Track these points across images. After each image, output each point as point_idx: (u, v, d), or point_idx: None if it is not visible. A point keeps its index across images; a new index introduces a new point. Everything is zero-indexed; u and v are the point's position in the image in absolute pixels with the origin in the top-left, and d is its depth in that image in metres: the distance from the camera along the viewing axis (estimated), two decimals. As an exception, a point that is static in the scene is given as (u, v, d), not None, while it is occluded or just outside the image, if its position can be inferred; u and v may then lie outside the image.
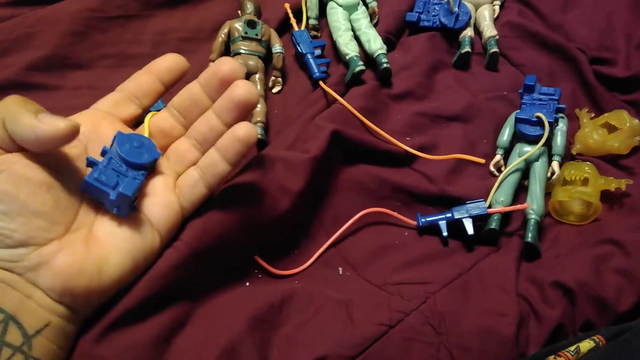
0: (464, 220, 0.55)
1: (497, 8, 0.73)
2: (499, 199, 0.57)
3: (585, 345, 0.46)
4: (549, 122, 0.58)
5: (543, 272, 0.52)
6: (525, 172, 0.60)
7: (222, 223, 0.48)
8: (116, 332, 0.42)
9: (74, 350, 0.41)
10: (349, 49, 0.63)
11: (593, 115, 0.65)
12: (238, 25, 0.63)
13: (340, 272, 0.54)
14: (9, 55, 0.60)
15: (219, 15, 0.66)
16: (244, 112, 0.44)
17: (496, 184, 0.57)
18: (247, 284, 0.51)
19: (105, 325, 0.41)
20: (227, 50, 0.64)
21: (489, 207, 0.56)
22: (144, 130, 0.45)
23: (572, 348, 0.46)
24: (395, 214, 0.56)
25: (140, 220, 0.43)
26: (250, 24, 0.62)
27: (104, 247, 0.41)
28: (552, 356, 0.46)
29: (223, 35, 0.63)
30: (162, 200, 0.44)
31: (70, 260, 0.38)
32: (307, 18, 0.68)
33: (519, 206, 0.55)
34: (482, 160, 0.57)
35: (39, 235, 0.38)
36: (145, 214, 0.43)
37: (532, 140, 0.59)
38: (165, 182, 0.45)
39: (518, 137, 0.61)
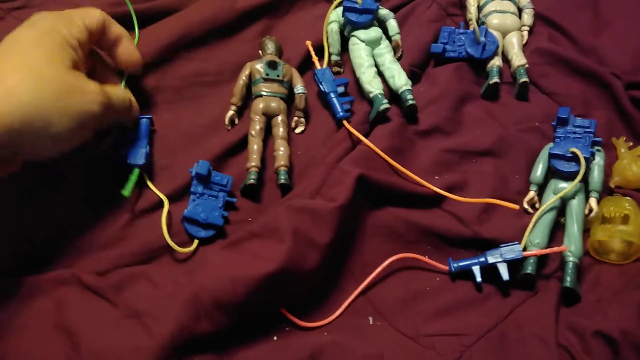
0: (498, 265, 0.53)
1: (525, 34, 0.71)
2: (534, 241, 0.54)
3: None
4: (585, 157, 0.55)
5: (584, 320, 0.50)
6: (561, 209, 0.57)
7: (249, 279, 0.47)
8: None
9: None
10: (373, 87, 0.61)
11: (631, 144, 0.62)
12: (259, 66, 0.62)
13: (371, 322, 0.52)
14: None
15: (240, 57, 0.64)
16: None
17: (530, 225, 0.55)
18: (275, 338, 0.50)
19: None
20: (249, 92, 0.63)
21: (524, 249, 0.54)
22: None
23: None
24: (425, 259, 0.55)
25: None
26: (272, 65, 0.61)
27: None
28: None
29: (244, 78, 0.62)
30: None
31: None
32: (329, 54, 0.66)
33: (555, 249, 0.53)
34: (516, 207, 0.54)
35: None
36: None
37: (568, 177, 0.57)
38: None
39: (552, 173, 0.59)
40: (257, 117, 0.60)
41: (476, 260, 0.54)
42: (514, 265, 0.54)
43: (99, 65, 0.57)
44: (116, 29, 0.55)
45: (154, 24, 0.64)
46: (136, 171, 0.55)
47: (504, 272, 0.53)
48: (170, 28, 0.64)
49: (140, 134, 0.58)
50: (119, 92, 0.55)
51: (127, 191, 0.53)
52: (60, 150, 0.48)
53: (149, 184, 0.56)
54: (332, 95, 0.62)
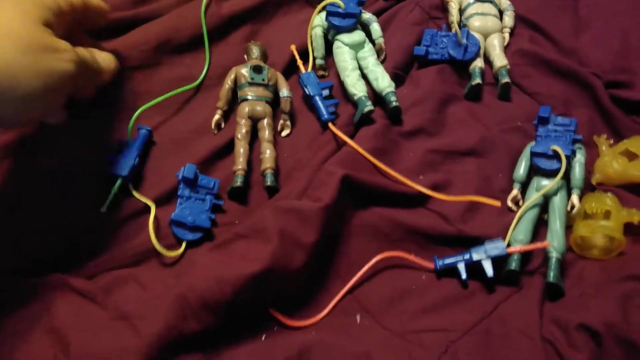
0: (482, 261, 0.54)
1: (506, 35, 0.72)
2: (518, 237, 0.55)
3: (615, 392, 0.45)
4: (566, 155, 0.56)
5: (568, 314, 0.50)
6: (544, 206, 0.58)
7: (235, 278, 0.47)
8: None
9: None
10: (357, 89, 0.62)
11: (612, 142, 0.63)
12: (244, 71, 0.62)
13: (358, 320, 0.53)
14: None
15: (225, 61, 0.65)
16: None
17: (514, 222, 0.56)
18: (264, 337, 0.50)
19: None
20: (234, 96, 0.63)
21: (508, 246, 0.55)
22: None
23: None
24: (411, 257, 0.55)
25: None
26: (257, 69, 0.62)
27: None
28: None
29: (229, 82, 0.62)
30: None
31: None
32: (314, 58, 0.67)
33: (538, 244, 0.54)
34: (498, 203, 0.55)
35: None
36: None
37: (550, 174, 0.58)
38: None
39: (535, 171, 0.59)
40: (243, 120, 0.61)
41: (461, 258, 0.54)
42: (499, 261, 0.54)
43: (79, 34, 0.56)
44: (96, 2, 0.55)
45: (138, 28, 0.64)
46: (118, 182, 0.56)
47: (488, 268, 0.53)
48: (155, 32, 0.64)
49: (133, 145, 0.58)
50: (95, 53, 0.54)
51: (104, 207, 0.55)
52: (29, 117, 0.47)
53: (134, 192, 0.57)
54: (317, 98, 0.62)
